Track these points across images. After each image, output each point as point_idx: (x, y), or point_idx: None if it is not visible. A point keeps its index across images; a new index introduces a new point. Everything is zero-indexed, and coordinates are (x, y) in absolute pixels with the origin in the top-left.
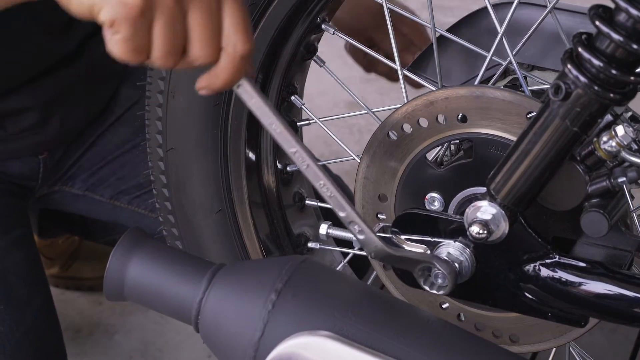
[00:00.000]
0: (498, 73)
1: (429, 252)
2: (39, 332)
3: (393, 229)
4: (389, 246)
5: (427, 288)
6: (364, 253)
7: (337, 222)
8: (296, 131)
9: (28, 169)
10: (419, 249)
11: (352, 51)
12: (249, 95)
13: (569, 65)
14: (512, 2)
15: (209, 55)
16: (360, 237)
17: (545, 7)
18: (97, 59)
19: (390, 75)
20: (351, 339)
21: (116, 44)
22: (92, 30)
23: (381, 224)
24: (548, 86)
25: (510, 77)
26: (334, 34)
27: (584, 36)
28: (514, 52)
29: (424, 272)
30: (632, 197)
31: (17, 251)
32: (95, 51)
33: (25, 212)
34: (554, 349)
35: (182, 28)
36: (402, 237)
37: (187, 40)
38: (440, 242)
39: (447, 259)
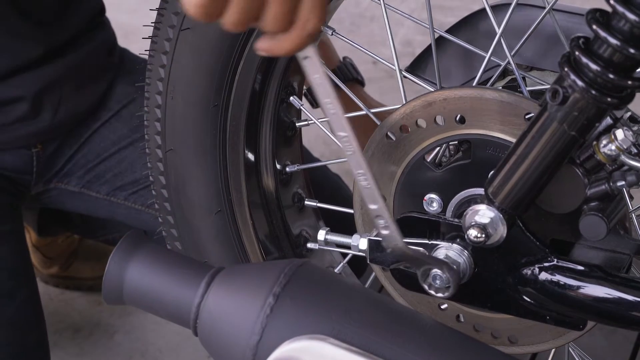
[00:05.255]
0: (497, 74)
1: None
2: (21, 325)
3: None
4: (410, 248)
5: (433, 292)
6: (363, 254)
7: (335, 228)
8: (295, 132)
9: (21, 162)
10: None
11: None
12: (313, 68)
13: (566, 70)
14: (511, 3)
15: (280, 28)
16: (384, 232)
17: (544, 8)
18: (90, 53)
19: None
20: (349, 343)
21: (192, 6)
22: (87, 24)
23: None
24: (546, 87)
25: (509, 78)
26: (332, 34)
27: (581, 40)
28: (512, 53)
29: (427, 274)
30: (631, 197)
31: (3, 245)
32: (88, 45)
33: (17, 209)
34: (553, 350)
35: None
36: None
37: (261, 11)
38: (438, 245)
39: (454, 267)
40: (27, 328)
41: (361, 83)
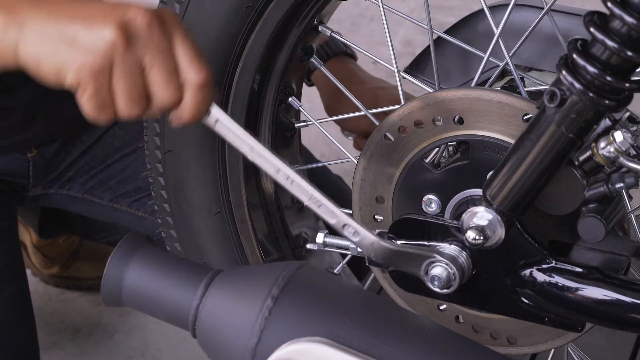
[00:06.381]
0: (495, 75)
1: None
2: (9, 321)
3: (389, 234)
4: (387, 241)
5: (438, 290)
6: (362, 256)
7: (333, 231)
8: (294, 133)
9: (15, 165)
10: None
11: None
12: (226, 129)
13: (564, 72)
14: (509, 4)
15: (172, 95)
16: (356, 239)
17: (542, 8)
18: None
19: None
20: (348, 345)
21: (85, 103)
22: None
23: (377, 230)
24: (545, 87)
25: (508, 78)
26: (331, 35)
27: (579, 42)
28: (510, 54)
29: (426, 272)
30: (630, 197)
31: None
32: None
33: (10, 208)
34: (553, 350)
35: (140, 76)
36: (399, 242)
37: (148, 86)
38: (436, 247)
39: (450, 253)
40: (15, 324)
41: (352, 56)
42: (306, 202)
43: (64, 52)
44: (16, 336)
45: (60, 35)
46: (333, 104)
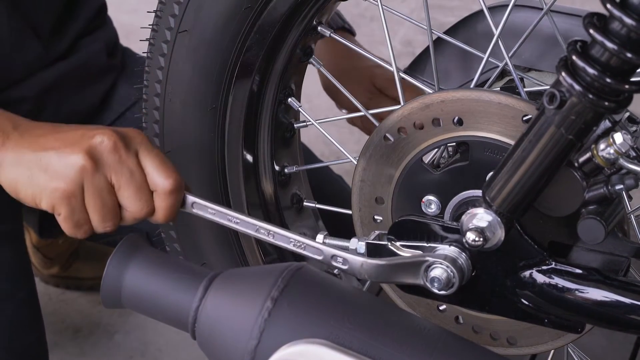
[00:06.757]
0: (494, 75)
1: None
2: (19, 325)
3: (389, 236)
4: (376, 258)
5: (441, 292)
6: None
7: (333, 232)
8: (293, 133)
9: None
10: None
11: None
12: (205, 209)
13: (563, 73)
14: (508, 5)
15: (144, 206)
16: (346, 266)
17: (542, 9)
18: (91, 54)
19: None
20: (347, 347)
21: (62, 223)
22: (88, 26)
23: (377, 232)
24: (545, 87)
25: (507, 79)
26: (330, 36)
27: (578, 44)
28: (510, 54)
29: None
30: (630, 198)
31: (4, 247)
32: (89, 47)
33: (16, 209)
34: (552, 351)
35: (110, 194)
36: (398, 243)
37: (120, 202)
38: (436, 248)
39: (450, 254)
40: (26, 328)
41: (350, 31)
42: (291, 248)
43: (38, 178)
44: (28, 338)
45: (36, 163)
46: (331, 83)
